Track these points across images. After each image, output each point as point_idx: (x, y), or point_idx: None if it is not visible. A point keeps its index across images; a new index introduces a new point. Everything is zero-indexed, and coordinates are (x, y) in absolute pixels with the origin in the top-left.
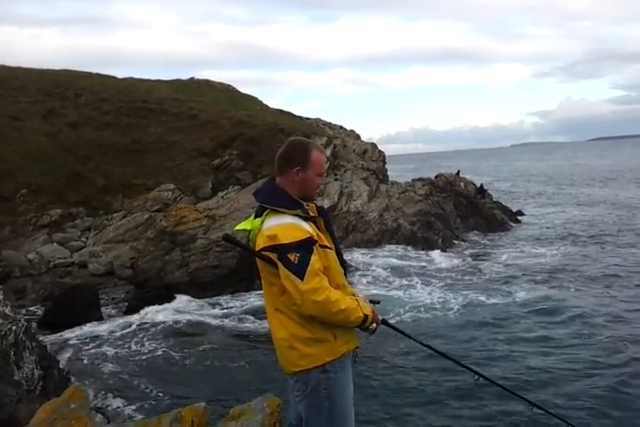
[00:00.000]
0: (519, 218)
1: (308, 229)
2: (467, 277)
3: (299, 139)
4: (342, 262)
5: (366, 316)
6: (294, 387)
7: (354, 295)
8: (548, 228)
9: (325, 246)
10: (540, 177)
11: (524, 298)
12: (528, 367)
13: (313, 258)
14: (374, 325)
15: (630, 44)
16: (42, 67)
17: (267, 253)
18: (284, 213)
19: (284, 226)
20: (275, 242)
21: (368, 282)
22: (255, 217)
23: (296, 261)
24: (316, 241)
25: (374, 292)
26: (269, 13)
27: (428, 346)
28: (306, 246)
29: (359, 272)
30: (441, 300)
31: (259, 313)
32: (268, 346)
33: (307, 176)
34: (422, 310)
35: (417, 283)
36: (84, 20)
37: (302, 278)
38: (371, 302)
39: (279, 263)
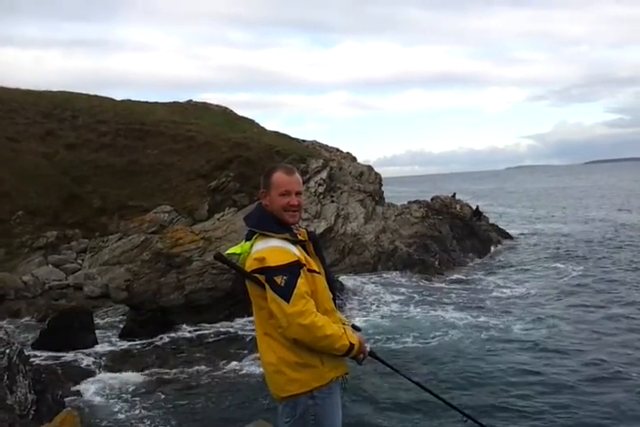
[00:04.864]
0: (515, 240)
1: (295, 252)
2: (464, 302)
3: (270, 165)
4: (332, 288)
5: (352, 345)
6: (283, 412)
7: (342, 321)
8: (544, 249)
9: (313, 271)
10: (535, 199)
11: (523, 327)
12: (523, 412)
13: (299, 281)
14: (361, 356)
15: (624, 68)
16: (43, 88)
17: (256, 274)
18: (272, 236)
19: (272, 249)
20: (262, 264)
21: (360, 308)
22: (245, 241)
23: (282, 284)
24: (304, 265)
25: (365, 318)
26: (270, 37)
27: (417, 383)
28: (292, 269)
29: (354, 298)
30: (436, 326)
31: (250, 338)
32: (258, 372)
33: (271, 197)
34: (415, 337)
35: (412, 308)
36: (87, 42)
37: (288, 301)
38: (353, 327)
39: (266, 286)
